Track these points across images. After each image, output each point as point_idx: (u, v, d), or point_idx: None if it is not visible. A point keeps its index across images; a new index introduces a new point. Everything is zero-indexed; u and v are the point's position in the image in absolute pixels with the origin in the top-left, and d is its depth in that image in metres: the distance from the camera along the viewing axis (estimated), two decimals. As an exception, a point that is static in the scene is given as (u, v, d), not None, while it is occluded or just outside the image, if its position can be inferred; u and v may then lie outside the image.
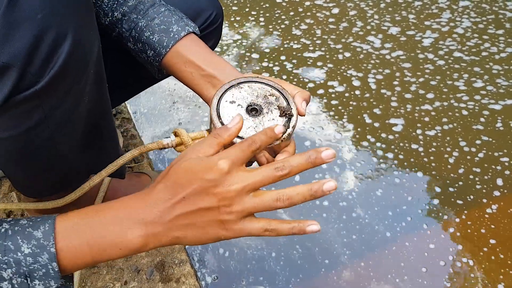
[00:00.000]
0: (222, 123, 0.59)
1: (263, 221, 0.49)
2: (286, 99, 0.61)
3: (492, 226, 1.10)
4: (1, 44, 0.46)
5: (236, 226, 0.49)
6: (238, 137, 0.58)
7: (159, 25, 0.71)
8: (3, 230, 0.48)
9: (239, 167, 0.49)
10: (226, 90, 0.62)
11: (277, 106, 0.61)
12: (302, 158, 0.49)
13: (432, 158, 1.25)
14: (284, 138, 0.58)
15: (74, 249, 0.48)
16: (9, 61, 0.46)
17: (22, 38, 0.46)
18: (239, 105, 0.61)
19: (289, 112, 0.60)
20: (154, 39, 0.70)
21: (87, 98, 0.60)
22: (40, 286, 0.48)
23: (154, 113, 1.40)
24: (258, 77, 0.63)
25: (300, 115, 0.61)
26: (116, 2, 0.73)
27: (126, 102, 1.34)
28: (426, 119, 1.36)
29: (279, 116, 0.60)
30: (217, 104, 0.61)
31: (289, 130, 0.59)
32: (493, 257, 1.04)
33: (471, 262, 1.03)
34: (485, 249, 1.06)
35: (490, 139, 1.30)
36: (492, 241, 1.07)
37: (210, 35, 0.87)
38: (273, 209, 0.49)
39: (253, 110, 0.61)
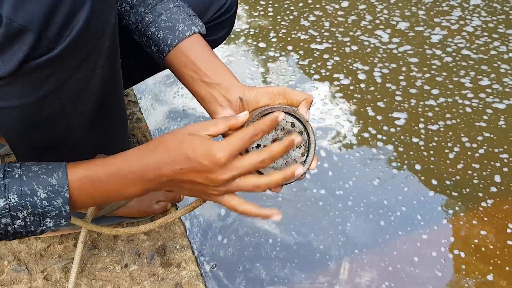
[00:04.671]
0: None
1: (236, 200, 0.59)
2: (301, 121, 0.64)
3: (485, 219, 1.11)
4: (18, 6, 0.45)
5: (217, 198, 0.59)
6: None
7: (165, 21, 0.69)
8: (16, 175, 0.53)
9: (234, 158, 0.55)
10: None
11: (298, 131, 0.64)
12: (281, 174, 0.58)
13: (432, 152, 1.26)
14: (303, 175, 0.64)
15: (85, 194, 0.56)
16: (25, 24, 0.45)
17: (40, 1, 0.45)
18: (264, 146, 0.63)
19: (308, 147, 0.65)
20: (159, 35, 0.69)
21: (100, 72, 0.59)
22: (51, 223, 0.55)
23: (158, 98, 1.42)
24: (268, 105, 0.64)
25: None
26: None
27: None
28: (430, 114, 1.36)
29: (297, 148, 0.65)
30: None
31: (306, 165, 0.65)
32: (483, 248, 1.05)
33: (462, 254, 1.04)
34: (476, 240, 1.07)
35: (492, 135, 1.30)
36: (483, 232, 1.08)
37: (223, 24, 0.86)
38: (251, 191, 0.58)
39: None
